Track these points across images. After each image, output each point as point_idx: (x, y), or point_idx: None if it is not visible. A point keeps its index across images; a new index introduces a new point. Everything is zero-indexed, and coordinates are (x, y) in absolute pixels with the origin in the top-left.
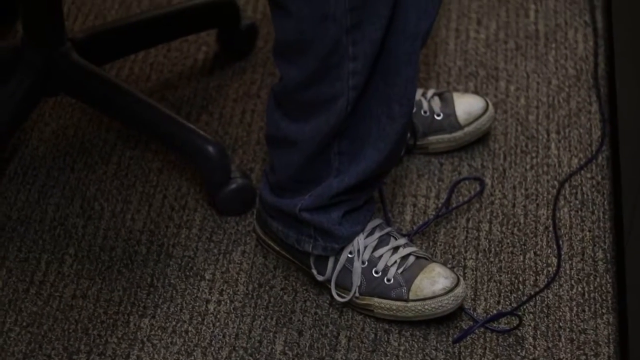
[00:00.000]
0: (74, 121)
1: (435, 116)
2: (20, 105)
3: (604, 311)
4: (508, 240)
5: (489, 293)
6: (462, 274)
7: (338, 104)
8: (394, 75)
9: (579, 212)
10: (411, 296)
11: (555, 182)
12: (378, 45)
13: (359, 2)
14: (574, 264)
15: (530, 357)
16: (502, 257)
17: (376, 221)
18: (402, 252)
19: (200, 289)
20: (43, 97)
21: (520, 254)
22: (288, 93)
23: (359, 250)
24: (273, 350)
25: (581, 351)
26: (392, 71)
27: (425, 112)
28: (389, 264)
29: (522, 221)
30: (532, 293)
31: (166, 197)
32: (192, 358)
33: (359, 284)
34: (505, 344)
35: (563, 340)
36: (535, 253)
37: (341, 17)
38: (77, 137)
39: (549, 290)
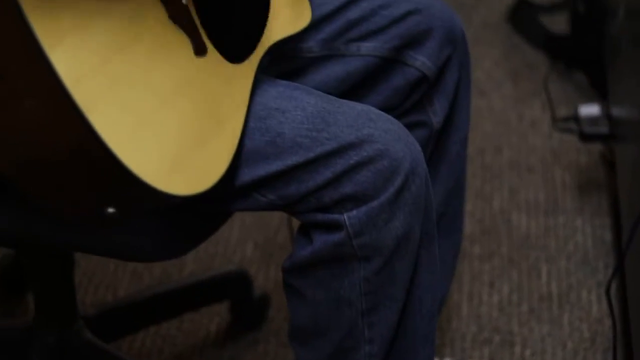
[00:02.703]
0: None
1: None
2: None
3: None
4: None
5: None
6: None
7: None
8: (412, 356)
9: None
10: None
11: None
12: (395, 328)
13: (373, 287)
14: None
15: None
16: None
17: None
18: None
19: None
20: None
21: None
22: None
23: None
24: None
25: None
26: (410, 352)
27: None
28: None
29: None
30: None
31: None
32: None
33: None
34: None
35: None
36: None
37: (356, 301)
38: None
39: None
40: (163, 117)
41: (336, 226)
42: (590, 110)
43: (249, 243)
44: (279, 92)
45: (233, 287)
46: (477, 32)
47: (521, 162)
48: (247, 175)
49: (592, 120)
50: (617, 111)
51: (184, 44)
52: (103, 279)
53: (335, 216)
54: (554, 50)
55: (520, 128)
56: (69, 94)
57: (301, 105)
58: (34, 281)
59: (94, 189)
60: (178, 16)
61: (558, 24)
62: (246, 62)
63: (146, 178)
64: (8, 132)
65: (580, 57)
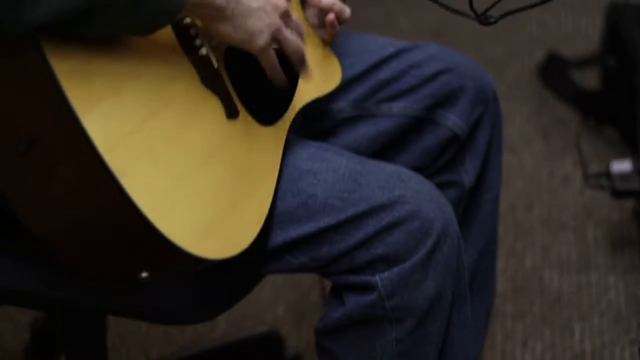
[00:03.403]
0: None
1: None
2: None
3: None
4: None
5: None
6: None
7: None
8: None
9: None
10: None
11: None
12: None
13: (406, 348)
14: None
15: None
16: None
17: None
18: None
19: None
20: None
21: None
22: None
23: None
24: None
25: None
26: None
27: None
28: None
29: None
30: None
31: None
32: None
33: None
34: None
35: None
36: None
37: None
38: None
39: None
40: (197, 180)
41: (368, 287)
42: (622, 166)
43: (281, 303)
44: (310, 153)
45: (265, 348)
46: (508, 88)
47: (553, 219)
48: (279, 237)
49: (624, 176)
50: None
51: (216, 107)
52: (135, 341)
53: (367, 277)
54: (585, 106)
55: (552, 185)
56: (103, 159)
57: (332, 167)
58: (66, 344)
59: (129, 255)
60: (210, 80)
61: (589, 79)
62: (278, 124)
63: (180, 242)
64: (43, 198)
65: (612, 112)
